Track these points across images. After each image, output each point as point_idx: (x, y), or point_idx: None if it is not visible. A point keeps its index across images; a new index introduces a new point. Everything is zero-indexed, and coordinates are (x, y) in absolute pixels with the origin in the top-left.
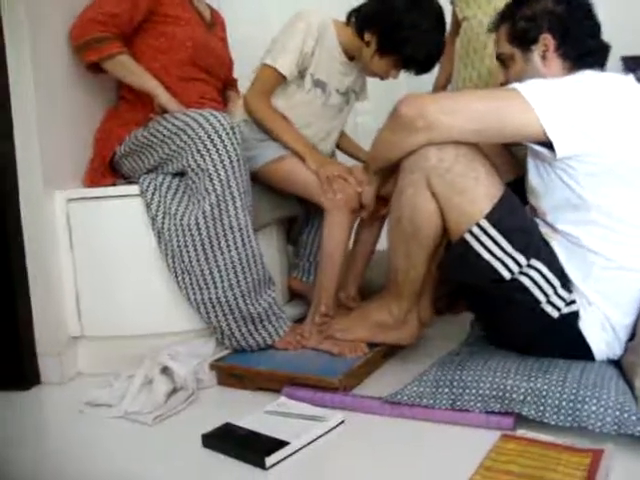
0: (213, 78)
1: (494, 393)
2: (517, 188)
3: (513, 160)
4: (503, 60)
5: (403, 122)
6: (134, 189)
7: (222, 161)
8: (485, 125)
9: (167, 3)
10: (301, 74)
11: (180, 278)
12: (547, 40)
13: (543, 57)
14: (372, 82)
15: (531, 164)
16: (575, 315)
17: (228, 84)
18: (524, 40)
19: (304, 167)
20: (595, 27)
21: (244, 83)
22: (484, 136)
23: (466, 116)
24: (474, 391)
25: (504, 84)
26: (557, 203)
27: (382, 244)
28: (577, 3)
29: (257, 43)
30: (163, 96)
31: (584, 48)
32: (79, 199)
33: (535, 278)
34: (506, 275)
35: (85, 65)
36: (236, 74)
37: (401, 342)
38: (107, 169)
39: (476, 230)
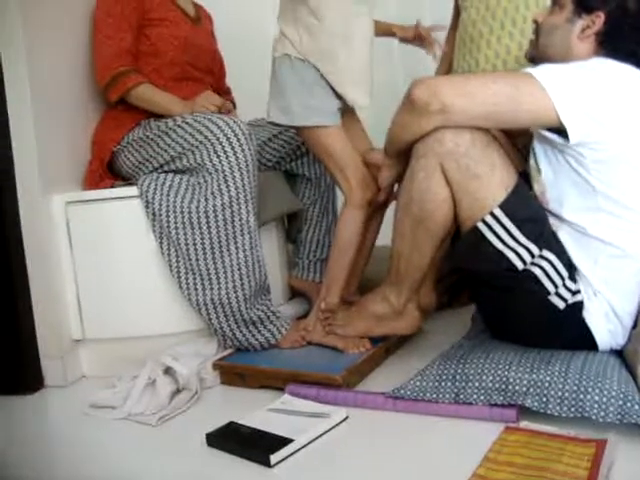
0: (206, 75)
1: (497, 385)
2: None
3: (519, 154)
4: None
5: (417, 105)
6: (133, 190)
7: (238, 164)
8: (499, 108)
9: (150, 8)
10: None
11: (183, 278)
12: (598, 19)
13: (582, 31)
14: None
15: (539, 149)
16: (579, 305)
17: (222, 91)
18: (582, 2)
19: (341, 143)
20: None
21: (237, 84)
22: (498, 119)
23: (480, 98)
24: (477, 384)
25: (535, 22)
26: (564, 189)
27: (380, 240)
28: None
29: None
30: (184, 112)
31: (624, 49)
32: (78, 202)
33: (546, 268)
34: (519, 265)
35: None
36: (228, 75)
37: (400, 332)
38: (105, 171)
39: (489, 219)
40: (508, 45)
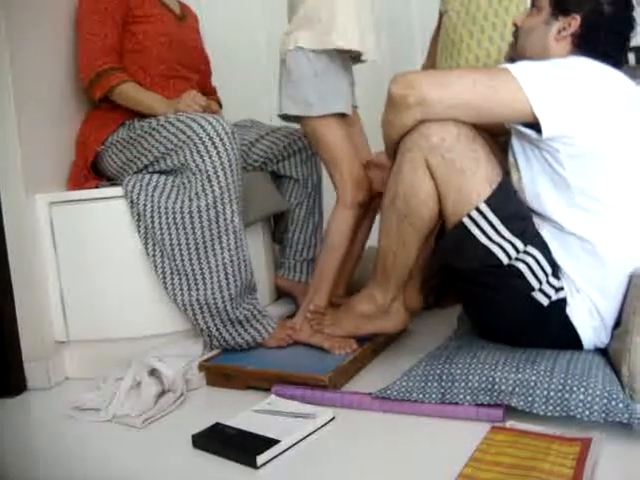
0: (193, 73)
1: (483, 385)
2: None
3: (502, 154)
4: (534, 2)
5: (396, 100)
6: (117, 191)
7: (222, 164)
8: (476, 101)
9: (135, 5)
10: None
11: (169, 278)
12: (574, 21)
13: (559, 32)
14: (359, 75)
15: (517, 146)
16: (563, 302)
17: (208, 90)
18: (559, 5)
19: (343, 143)
20: (622, 42)
21: (224, 85)
22: (474, 112)
23: (457, 90)
24: (463, 384)
25: (515, 25)
26: (541, 186)
27: (369, 242)
28: (624, 15)
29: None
30: (168, 111)
31: (599, 51)
32: (62, 202)
33: (530, 264)
34: (504, 260)
35: (98, 100)
36: (215, 77)
37: (387, 330)
38: (90, 172)
39: (475, 214)
40: (488, 49)
